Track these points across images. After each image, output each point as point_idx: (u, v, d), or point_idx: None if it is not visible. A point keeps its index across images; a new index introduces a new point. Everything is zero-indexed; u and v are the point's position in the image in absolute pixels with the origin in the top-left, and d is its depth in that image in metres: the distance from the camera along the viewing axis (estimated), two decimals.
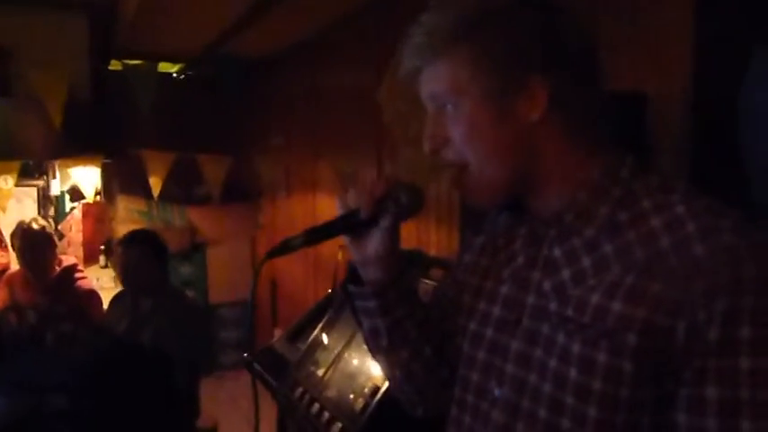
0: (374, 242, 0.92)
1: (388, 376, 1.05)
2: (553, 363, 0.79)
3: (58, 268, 3.11)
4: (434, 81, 0.84)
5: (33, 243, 3.02)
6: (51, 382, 1.37)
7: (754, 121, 1.42)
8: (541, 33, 0.79)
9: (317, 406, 2.28)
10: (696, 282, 0.70)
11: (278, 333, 3.20)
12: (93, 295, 3.11)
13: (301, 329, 2.92)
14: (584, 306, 0.77)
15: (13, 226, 3.19)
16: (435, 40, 0.82)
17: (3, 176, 3.76)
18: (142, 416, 1.50)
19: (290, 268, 4.52)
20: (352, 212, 0.91)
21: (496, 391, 0.86)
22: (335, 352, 2.42)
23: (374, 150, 3.17)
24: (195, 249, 5.14)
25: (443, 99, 0.84)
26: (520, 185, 0.85)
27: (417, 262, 2.53)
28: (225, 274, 5.21)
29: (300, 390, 2.42)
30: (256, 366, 2.81)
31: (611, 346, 0.74)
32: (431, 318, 1.02)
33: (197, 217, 5.05)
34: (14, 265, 3.62)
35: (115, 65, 4.01)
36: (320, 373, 2.42)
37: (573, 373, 0.77)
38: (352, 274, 0.99)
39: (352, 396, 2.18)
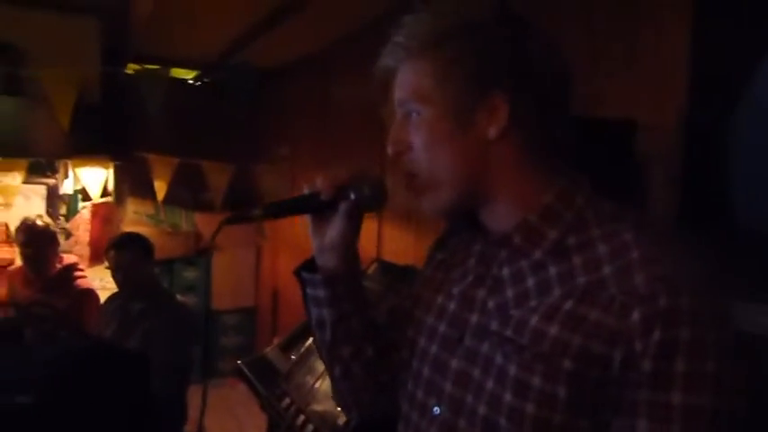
0: (333, 229, 0.93)
1: (328, 372, 1.04)
2: (490, 384, 0.78)
3: (59, 266, 3.14)
4: (402, 86, 0.85)
5: (35, 239, 3.04)
6: (21, 378, 1.37)
7: (743, 150, 1.41)
8: (511, 53, 0.79)
9: (302, 417, 2.26)
10: (634, 311, 0.69)
11: (275, 343, 3.20)
12: (90, 294, 3.12)
13: (296, 339, 2.92)
14: (523, 327, 0.76)
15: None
16: (410, 43, 0.83)
17: (11, 173, 3.81)
18: (114, 419, 1.50)
19: (293, 277, 4.52)
20: (314, 194, 0.93)
21: (435, 410, 0.85)
22: None
23: (378, 165, 3.17)
24: (200, 255, 5.17)
25: (409, 105, 0.84)
26: (470, 199, 0.84)
27: (410, 278, 2.52)
28: (229, 281, 5.23)
29: (288, 400, 2.41)
30: (247, 374, 2.81)
31: (546, 369, 0.73)
32: (380, 322, 1.02)
33: (203, 223, 5.08)
34: (20, 262, 3.67)
35: (129, 68, 4.06)
36: (310, 383, 2.41)
37: (508, 396, 0.76)
38: (309, 263, 0.99)
39: (338, 409, 2.17)
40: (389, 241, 3.14)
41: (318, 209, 0.94)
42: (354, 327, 0.97)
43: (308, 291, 0.98)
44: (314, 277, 0.96)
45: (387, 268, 2.86)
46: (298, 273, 1.00)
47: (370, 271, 2.87)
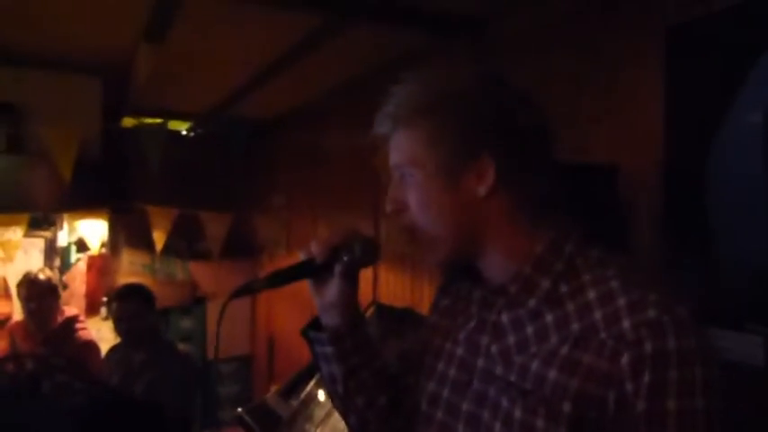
0: (332, 289, 1.00)
1: (344, 421, 1.09)
2: (497, 426, 0.84)
3: (60, 319, 3.17)
4: (396, 152, 0.93)
5: (38, 293, 3.09)
6: (46, 430, 1.41)
7: (720, 187, 1.51)
8: (495, 117, 0.87)
9: None
10: (623, 355, 0.76)
11: (274, 389, 3.22)
12: (91, 346, 3.15)
13: (295, 385, 2.94)
14: (526, 373, 0.83)
15: (20, 276, 3.26)
16: (400, 113, 0.91)
17: (12, 228, 3.87)
18: None
19: (288, 324, 4.56)
20: (310, 260, 0.99)
21: None
22: (327, 408, 2.45)
23: (371, 212, 3.26)
24: (196, 304, 5.19)
25: (403, 169, 0.92)
26: (466, 250, 0.92)
27: (409, 320, 2.58)
28: (224, 330, 5.19)
29: None
30: (248, 421, 2.83)
31: (548, 412, 0.79)
32: (391, 369, 1.08)
33: (199, 272, 5.12)
34: (17, 315, 3.68)
35: (126, 122, 4.16)
36: (312, 429, 2.44)
37: None
38: (315, 321, 1.05)
39: None
40: (386, 284, 3.20)
41: (315, 273, 1.00)
42: (365, 378, 1.03)
43: (317, 348, 1.03)
44: (320, 335, 1.02)
45: (384, 311, 2.91)
46: (305, 332, 1.05)
47: (368, 314, 2.93)
